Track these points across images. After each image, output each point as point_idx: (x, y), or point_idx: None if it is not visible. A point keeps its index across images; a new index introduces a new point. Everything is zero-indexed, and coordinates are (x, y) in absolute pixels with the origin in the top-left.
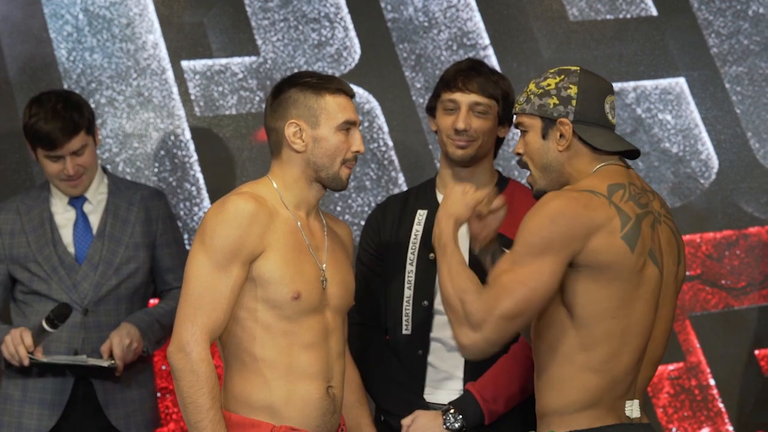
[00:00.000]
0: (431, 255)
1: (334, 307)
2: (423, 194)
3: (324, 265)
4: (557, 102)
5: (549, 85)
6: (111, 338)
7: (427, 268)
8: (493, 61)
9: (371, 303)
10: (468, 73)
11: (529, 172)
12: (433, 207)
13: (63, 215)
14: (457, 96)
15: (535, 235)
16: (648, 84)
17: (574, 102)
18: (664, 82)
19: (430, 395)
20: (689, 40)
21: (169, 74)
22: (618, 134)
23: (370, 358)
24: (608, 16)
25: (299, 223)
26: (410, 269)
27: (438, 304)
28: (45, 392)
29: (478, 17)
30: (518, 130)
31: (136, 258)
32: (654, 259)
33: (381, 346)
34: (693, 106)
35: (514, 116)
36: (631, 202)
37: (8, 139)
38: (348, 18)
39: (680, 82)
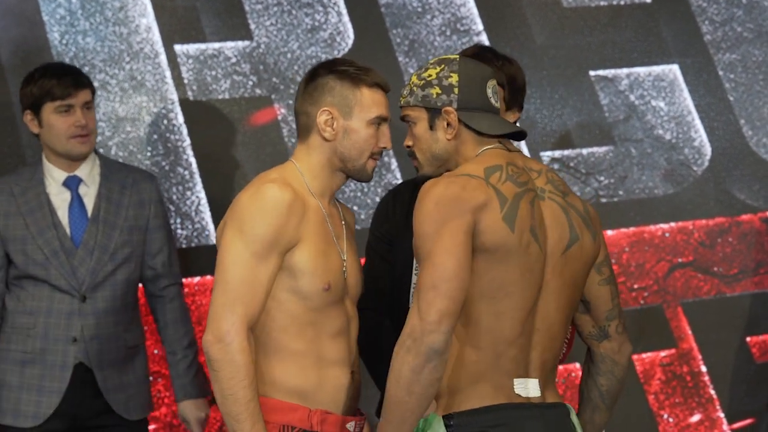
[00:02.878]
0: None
1: (352, 296)
2: (423, 183)
3: (344, 255)
4: (440, 91)
5: (430, 75)
6: (191, 423)
7: None
8: None
9: (378, 289)
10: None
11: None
12: None
13: (58, 197)
14: None
15: (428, 225)
16: (641, 71)
17: (456, 90)
18: (657, 69)
19: None
20: (683, 27)
21: (162, 58)
22: (501, 118)
23: (375, 344)
24: (602, 3)
25: (325, 212)
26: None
27: None
28: (43, 379)
29: (471, 3)
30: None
31: (131, 242)
32: (534, 235)
33: (386, 333)
34: (686, 93)
35: (400, 109)
36: (508, 182)
37: (1, 123)
38: (341, 2)
39: (674, 69)
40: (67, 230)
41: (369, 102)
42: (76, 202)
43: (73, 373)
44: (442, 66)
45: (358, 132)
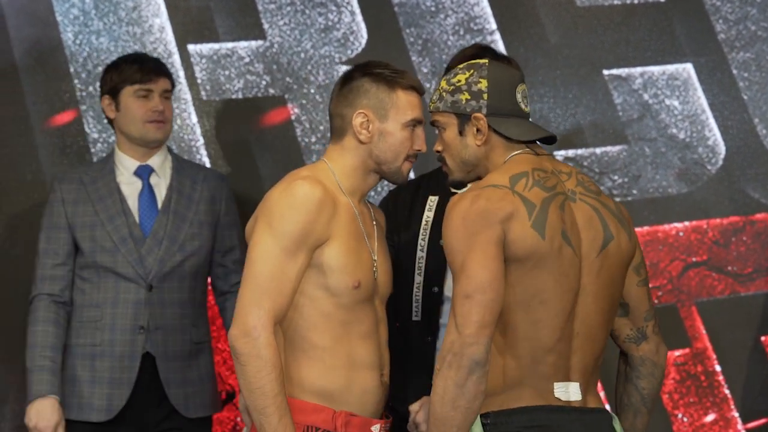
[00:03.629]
0: (442, 241)
1: (382, 295)
2: (435, 180)
3: (375, 254)
4: (469, 97)
5: (459, 81)
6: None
7: (438, 254)
8: (500, 47)
9: None
10: (469, 60)
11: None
12: (444, 193)
13: (129, 185)
14: None
15: (458, 240)
16: (655, 69)
17: (485, 96)
18: (671, 68)
19: None
20: (697, 25)
21: (176, 58)
22: (533, 122)
23: None
24: (615, 1)
25: (356, 211)
26: (421, 255)
27: (448, 290)
28: (114, 371)
29: (485, 2)
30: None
31: (200, 236)
32: (566, 239)
33: (390, 332)
34: (700, 92)
35: (430, 114)
36: (535, 188)
37: (14, 122)
38: (355, 2)
39: (687, 68)
40: (137, 218)
41: (404, 105)
42: (147, 190)
43: (141, 363)
44: (471, 71)
45: (394, 135)
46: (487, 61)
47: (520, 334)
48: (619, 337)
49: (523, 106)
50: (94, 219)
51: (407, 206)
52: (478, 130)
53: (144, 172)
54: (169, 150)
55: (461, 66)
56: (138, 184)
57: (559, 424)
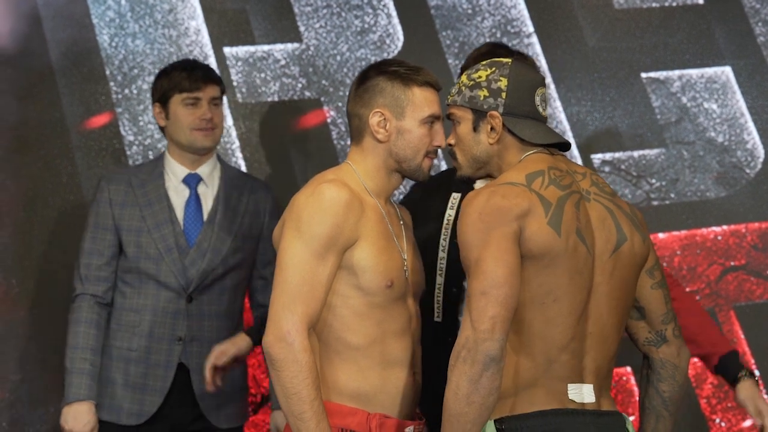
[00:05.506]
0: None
1: (414, 294)
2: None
3: (405, 254)
4: (487, 94)
5: (480, 77)
6: None
7: (459, 254)
8: (537, 50)
9: None
10: (487, 57)
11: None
12: (466, 190)
13: (176, 193)
14: None
15: (474, 235)
16: (693, 72)
17: (503, 95)
18: (709, 71)
19: None
20: (735, 28)
21: (212, 60)
22: (547, 126)
23: None
24: (654, 4)
25: (383, 211)
26: (442, 256)
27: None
28: (147, 378)
29: (522, 4)
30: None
31: (243, 249)
32: (581, 237)
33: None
34: (739, 95)
35: (447, 107)
36: (551, 187)
37: (51, 124)
38: (391, 4)
39: (726, 71)
40: (183, 227)
41: (421, 101)
42: (193, 200)
43: (176, 373)
44: (493, 69)
45: (412, 132)
46: (510, 60)
47: (534, 331)
48: (638, 341)
49: (540, 110)
50: (141, 224)
51: (429, 203)
52: (492, 128)
53: (192, 181)
54: (220, 160)
55: (484, 62)
56: (186, 192)
57: (574, 428)
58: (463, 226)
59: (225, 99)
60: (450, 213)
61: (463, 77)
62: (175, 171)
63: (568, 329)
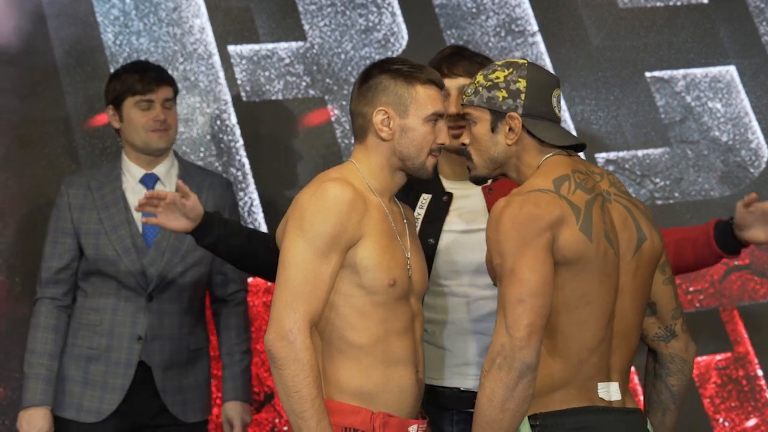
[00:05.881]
0: (430, 240)
1: (417, 293)
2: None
3: (408, 253)
4: (506, 95)
5: (498, 77)
6: (234, 424)
7: (427, 254)
8: (541, 48)
9: None
10: (452, 58)
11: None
12: (437, 193)
13: (134, 194)
14: (445, 82)
15: (509, 244)
16: (698, 72)
17: (523, 96)
18: (714, 70)
19: (449, 380)
20: (740, 27)
21: (216, 59)
22: (564, 128)
23: None
24: (658, 3)
25: (387, 210)
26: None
27: (459, 288)
28: (107, 376)
29: (526, 3)
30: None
31: None
32: (609, 240)
33: None
34: (743, 95)
35: (462, 107)
36: (578, 191)
37: (54, 122)
38: (395, 3)
39: (730, 70)
40: (140, 228)
41: (424, 99)
42: None
43: (136, 371)
44: (511, 69)
45: (415, 130)
46: (526, 61)
47: (567, 335)
48: (648, 336)
49: (557, 111)
50: (98, 227)
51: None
52: (510, 129)
53: (149, 181)
54: (177, 156)
55: (500, 63)
56: (143, 192)
57: (605, 425)
58: (497, 235)
59: (229, 97)
60: (419, 212)
61: (479, 77)
62: (132, 172)
63: (599, 331)
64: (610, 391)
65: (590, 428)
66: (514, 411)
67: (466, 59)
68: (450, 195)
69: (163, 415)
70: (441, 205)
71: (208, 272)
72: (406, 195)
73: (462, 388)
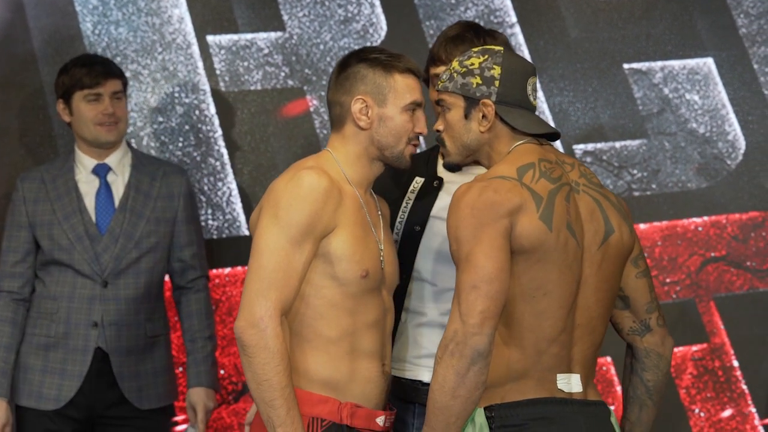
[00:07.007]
0: (416, 227)
1: (389, 285)
2: (424, 161)
3: (381, 245)
4: (480, 82)
5: (473, 64)
6: (197, 410)
7: (412, 240)
8: (519, 40)
9: None
10: (453, 41)
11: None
12: (430, 178)
13: (86, 184)
14: (442, 69)
15: (465, 229)
16: (675, 64)
17: (497, 83)
18: (691, 62)
19: (410, 371)
20: (718, 19)
21: (195, 49)
22: (538, 116)
23: None
24: None
25: (362, 200)
26: (396, 238)
27: (430, 276)
28: (65, 363)
29: None
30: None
31: (157, 232)
32: (571, 230)
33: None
34: (720, 87)
35: (437, 92)
36: (542, 180)
37: (33, 112)
38: None
39: (708, 62)
40: (93, 216)
41: (403, 88)
42: (104, 189)
43: (92, 357)
44: (486, 56)
45: (393, 119)
46: (502, 48)
47: (525, 325)
48: (623, 330)
49: (531, 99)
50: (52, 218)
51: (393, 184)
52: (483, 116)
53: (101, 171)
54: (130, 147)
55: (476, 50)
56: (96, 182)
57: (563, 416)
58: (455, 220)
59: (208, 87)
60: (410, 196)
61: (454, 63)
62: (84, 163)
63: (557, 322)
64: (570, 383)
65: (547, 419)
66: (465, 398)
67: (467, 43)
68: (441, 180)
69: (121, 407)
70: (431, 189)
71: (166, 258)
72: (400, 177)
73: (424, 381)
